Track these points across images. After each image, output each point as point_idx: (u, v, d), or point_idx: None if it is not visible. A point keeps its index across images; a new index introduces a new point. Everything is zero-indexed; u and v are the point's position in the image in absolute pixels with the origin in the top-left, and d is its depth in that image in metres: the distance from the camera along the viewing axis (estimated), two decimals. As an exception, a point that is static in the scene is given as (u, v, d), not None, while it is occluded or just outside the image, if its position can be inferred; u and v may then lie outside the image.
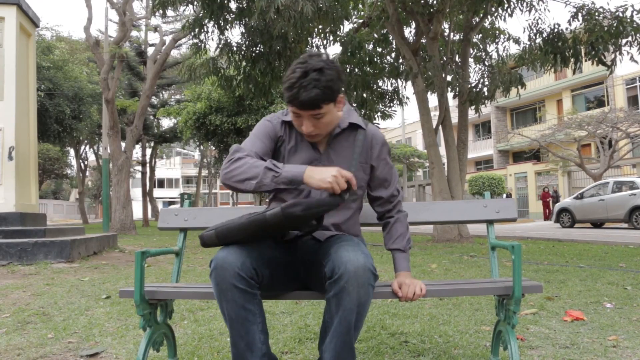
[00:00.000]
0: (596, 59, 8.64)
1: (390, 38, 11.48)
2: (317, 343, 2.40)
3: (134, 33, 20.74)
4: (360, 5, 12.21)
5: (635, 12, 8.30)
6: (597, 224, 15.66)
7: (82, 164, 29.10)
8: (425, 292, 1.68)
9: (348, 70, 11.40)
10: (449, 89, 10.17)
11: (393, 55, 12.11)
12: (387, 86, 13.07)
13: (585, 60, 9.13)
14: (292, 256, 1.73)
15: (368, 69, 11.75)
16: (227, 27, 9.55)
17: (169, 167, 57.86)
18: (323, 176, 1.51)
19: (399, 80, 12.67)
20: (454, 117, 11.56)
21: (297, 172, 1.55)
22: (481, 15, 9.89)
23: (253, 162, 1.59)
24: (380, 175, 1.81)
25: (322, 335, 1.56)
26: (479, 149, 33.18)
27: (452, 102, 14.29)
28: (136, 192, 39.12)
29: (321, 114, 1.58)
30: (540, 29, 9.44)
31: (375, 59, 11.79)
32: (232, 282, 1.47)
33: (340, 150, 1.74)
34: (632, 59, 8.43)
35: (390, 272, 5.04)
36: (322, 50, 11.63)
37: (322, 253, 1.61)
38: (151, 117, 24.38)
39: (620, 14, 8.36)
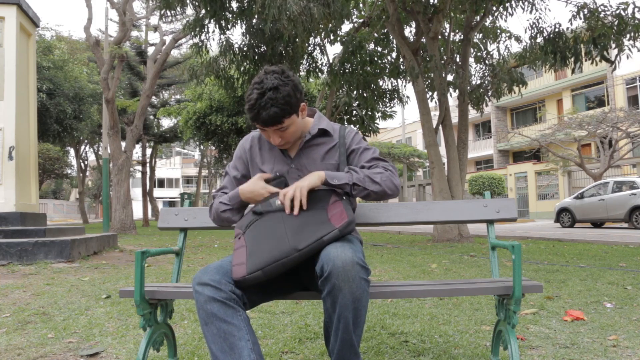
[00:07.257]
0: (599, 56, 8.61)
1: (391, 38, 11.48)
2: (317, 343, 2.40)
3: (134, 33, 20.76)
4: (361, 5, 12.21)
5: (636, 10, 8.28)
6: (597, 224, 15.65)
7: (82, 164, 29.11)
8: (298, 194, 1.57)
9: (349, 69, 11.40)
10: (450, 89, 10.14)
11: (394, 54, 12.11)
12: (387, 86, 13.08)
13: (586, 60, 9.12)
14: None
15: (369, 68, 11.75)
16: (228, 26, 9.54)
17: (169, 167, 57.85)
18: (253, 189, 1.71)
19: (399, 79, 12.68)
20: (454, 117, 11.55)
21: (233, 194, 1.76)
22: (482, 14, 9.88)
23: (215, 206, 1.81)
24: (363, 158, 1.80)
25: (325, 336, 1.57)
26: (479, 148, 33.15)
27: (452, 102, 14.30)
28: (136, 192, 39.14)
29: (284, 127, 1.67)
30: (541, 29, 9.43)
31: (375, 59, 11.79)
32: (209, 295, 1.45)
33: (311, 154, 1.80)
34: None
35: (391, 272, 5.03)
36: (323, 50, 11.67)
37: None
38: (151, 117, 24.38)
39: (622, 12, 8.35)
